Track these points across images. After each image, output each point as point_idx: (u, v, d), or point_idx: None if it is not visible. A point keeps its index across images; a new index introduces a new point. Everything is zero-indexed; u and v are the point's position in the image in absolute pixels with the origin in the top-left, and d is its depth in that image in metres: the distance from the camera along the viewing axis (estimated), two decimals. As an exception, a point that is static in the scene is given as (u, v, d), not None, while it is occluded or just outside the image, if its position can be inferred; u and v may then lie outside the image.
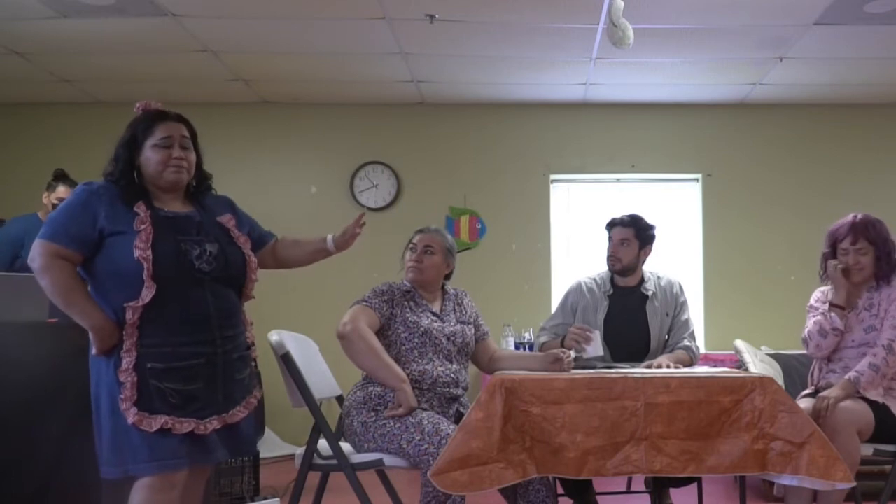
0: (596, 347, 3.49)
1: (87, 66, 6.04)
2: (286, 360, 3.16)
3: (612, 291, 3.93)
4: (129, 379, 2.54)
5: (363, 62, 6.00)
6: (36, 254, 2.56)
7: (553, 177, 7.01)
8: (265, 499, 4.48)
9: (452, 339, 3.36)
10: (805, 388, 3.78)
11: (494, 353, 3.57)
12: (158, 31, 5.32)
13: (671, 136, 6.99)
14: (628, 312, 3.89)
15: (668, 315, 3.91)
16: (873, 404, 3.34)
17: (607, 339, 3.75)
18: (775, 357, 4.85)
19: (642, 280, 3.95)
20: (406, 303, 3.37)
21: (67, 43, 5.57)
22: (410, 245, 3.48)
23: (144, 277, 2.54)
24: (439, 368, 3.28)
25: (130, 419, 2.52)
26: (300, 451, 3.25)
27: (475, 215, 6.94)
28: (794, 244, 6.76)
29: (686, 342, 3.88)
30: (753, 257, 6.88)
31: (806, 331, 3.63)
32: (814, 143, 6.99)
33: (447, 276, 3.53)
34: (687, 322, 3.94)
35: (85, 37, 5.45)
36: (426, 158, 6.99)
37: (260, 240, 2.97)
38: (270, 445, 5.90)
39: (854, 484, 2.89)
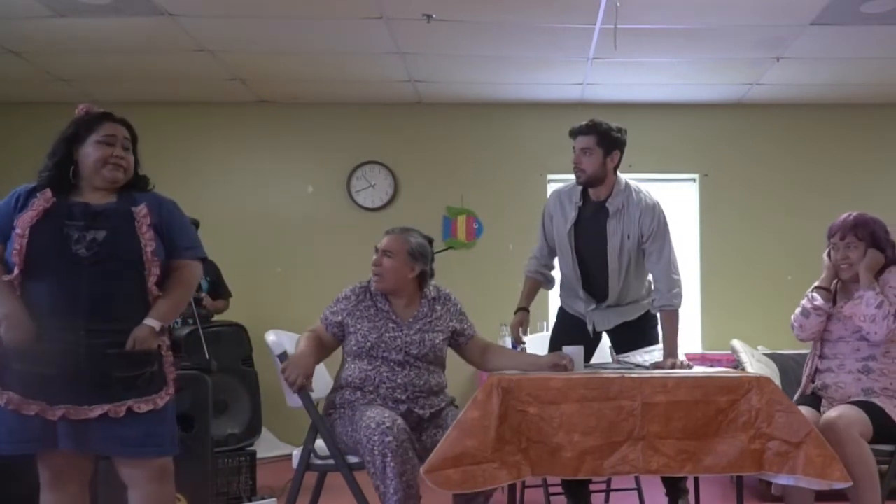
0: (579, 367, 3.30)
1: (85, 65, 6.03)
2: (283, 359, 3.17)
3: (581, 202, 3.74)
4: None
5: (360, 62, 5.99)
6: None
7: (550, 176, 7.00)
8: (262, 498, 4.47)
9: (406, 348, 3.24)
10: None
11: (488, 348, 3.48)
12: (155, 30, 5.31)
13: (668, 136, 6.99)
14: (591, 226, 3.71)
15: (628, 237, 3.64)
16: (865, 406, 3.30)
17: (574, 249, 3.71)
18: (772, 357, 4.86)
19: (611, 194, 3.69)
20: (367, 310, 3.29)
21: (64, 42, 5.56)
22: (375, 247, 3.37)
23: (12, 254, 2.60)
24: (385, 374, 3.22)
25: None
26: (297, 450, 3.25)
27: (472, 215, 6.94)
28: (791, 244, 6.77)
29: (662, 291, 3.60)
30: (750, 257, 6.88)
31: (793, 316, 3.60)
32: (811, 142, 6.99)
33: (422, 279, 3.36)
34: (660, 253, 3.62)
35: (82, 36, 5.43)
36: (423, 158, 6.98)
37: (172, 248, 2.79)
38: (267, 445, 5.89)
39: (851, 483, 2.87)
